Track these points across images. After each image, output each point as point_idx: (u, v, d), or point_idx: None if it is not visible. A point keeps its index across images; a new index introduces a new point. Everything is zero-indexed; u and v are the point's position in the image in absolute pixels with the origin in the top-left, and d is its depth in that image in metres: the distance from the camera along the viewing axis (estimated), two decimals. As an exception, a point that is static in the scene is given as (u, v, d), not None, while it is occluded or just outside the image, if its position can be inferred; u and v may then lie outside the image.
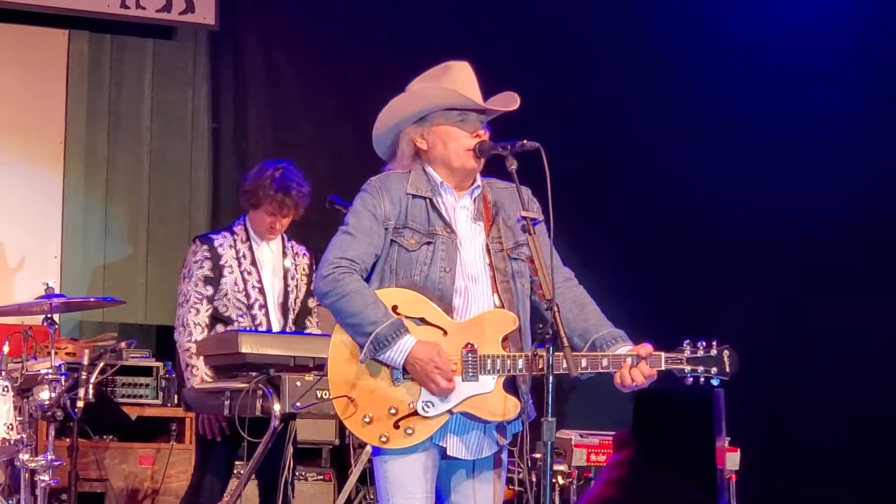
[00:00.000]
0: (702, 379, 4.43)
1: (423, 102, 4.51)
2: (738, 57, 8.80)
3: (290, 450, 5.85)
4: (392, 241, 4.44)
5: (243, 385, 5.47)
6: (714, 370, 4.42)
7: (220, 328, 6.08)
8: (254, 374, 5.47)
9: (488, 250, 4.49)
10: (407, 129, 4.54)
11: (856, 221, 8.55)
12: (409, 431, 4.34)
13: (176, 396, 7.26)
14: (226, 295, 6.12)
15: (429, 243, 4.44)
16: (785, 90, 8.75)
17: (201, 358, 5.96)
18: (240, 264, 6.18)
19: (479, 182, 4.57)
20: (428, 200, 4.48)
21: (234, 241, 6.21)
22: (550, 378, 4.25)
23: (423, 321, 4.37)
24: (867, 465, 8.25)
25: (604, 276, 8.54)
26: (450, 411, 4.35)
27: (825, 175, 8.59)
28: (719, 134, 8.78)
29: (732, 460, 6.91)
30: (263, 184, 6.13)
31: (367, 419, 4.35)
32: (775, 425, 8.56)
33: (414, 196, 4.48)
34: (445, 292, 4.40)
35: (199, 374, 5.95)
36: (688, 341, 4.45)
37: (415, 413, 4.34)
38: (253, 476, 5.88)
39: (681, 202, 8.75)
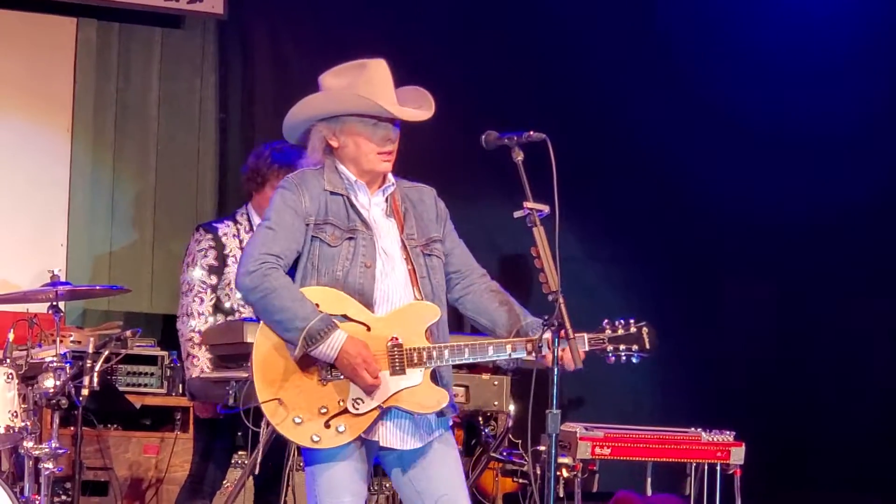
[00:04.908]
0: (623, 357, 4.50)
1: (337, 106, 4.50)
2: (751, 54, 8.78)
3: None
4: (313, 237, 4.45)
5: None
6: (635, 348, 4.49)
7: (220, 318, 6.07)
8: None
9: (404, 246, 4.52)
10: (319, 125, 4.54)
11: (862, 218, 8.55)
12: (341, 430, 4.33)
13: (180, 385, 7.24)
14: (228, 284, 6.11)
15: (350, 239, 4.45)
16: (795, 87, 8.74)
17: (203, 348, 5.95)
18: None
19: (391, 181, 4.59)
20: (345, 198, 4.49)
21: (238, 230, 6.20)
22: (556, 370, 4.26)
23: (345, 318, 4.38)
24: (870, 458, 8.25)
25: (611, 268, 8.61)
26: (379, 407, 4.36)
27: (833, 172, 8.58)
28: (727, 129, 8.76)
29: (737, 455, 6.91)
30: (266, 161, 6.13)
31: (297, 420, 4.33)
32: (780, 419, 8.55)
33: (332, 193, 4.49)
34: (366, 287, 4.42)
35: (200, 365, 5.95)
36: (607, 321, 4.51)
37: (345, 411, 4.34)
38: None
39: (686, 197, 8.74)
